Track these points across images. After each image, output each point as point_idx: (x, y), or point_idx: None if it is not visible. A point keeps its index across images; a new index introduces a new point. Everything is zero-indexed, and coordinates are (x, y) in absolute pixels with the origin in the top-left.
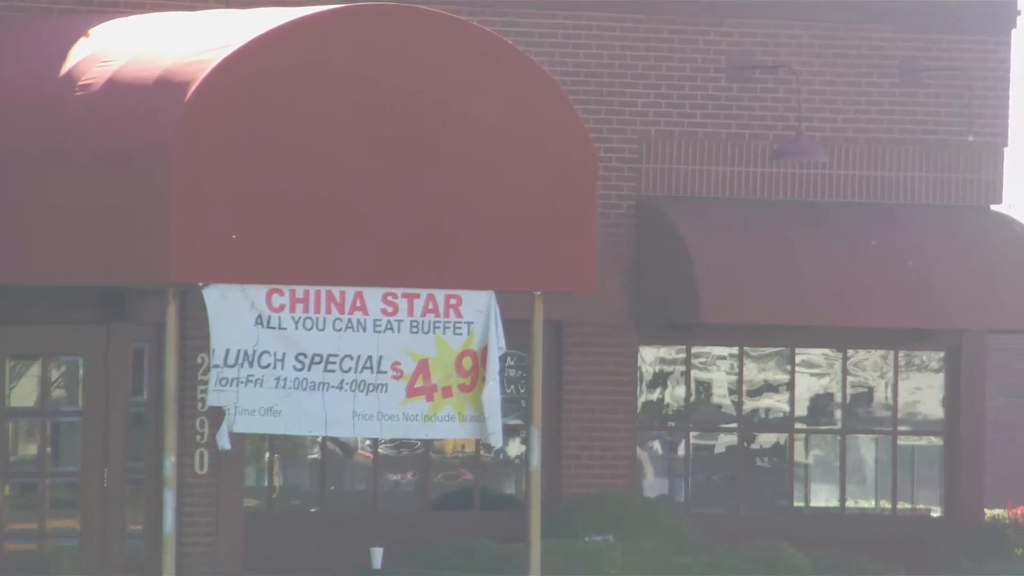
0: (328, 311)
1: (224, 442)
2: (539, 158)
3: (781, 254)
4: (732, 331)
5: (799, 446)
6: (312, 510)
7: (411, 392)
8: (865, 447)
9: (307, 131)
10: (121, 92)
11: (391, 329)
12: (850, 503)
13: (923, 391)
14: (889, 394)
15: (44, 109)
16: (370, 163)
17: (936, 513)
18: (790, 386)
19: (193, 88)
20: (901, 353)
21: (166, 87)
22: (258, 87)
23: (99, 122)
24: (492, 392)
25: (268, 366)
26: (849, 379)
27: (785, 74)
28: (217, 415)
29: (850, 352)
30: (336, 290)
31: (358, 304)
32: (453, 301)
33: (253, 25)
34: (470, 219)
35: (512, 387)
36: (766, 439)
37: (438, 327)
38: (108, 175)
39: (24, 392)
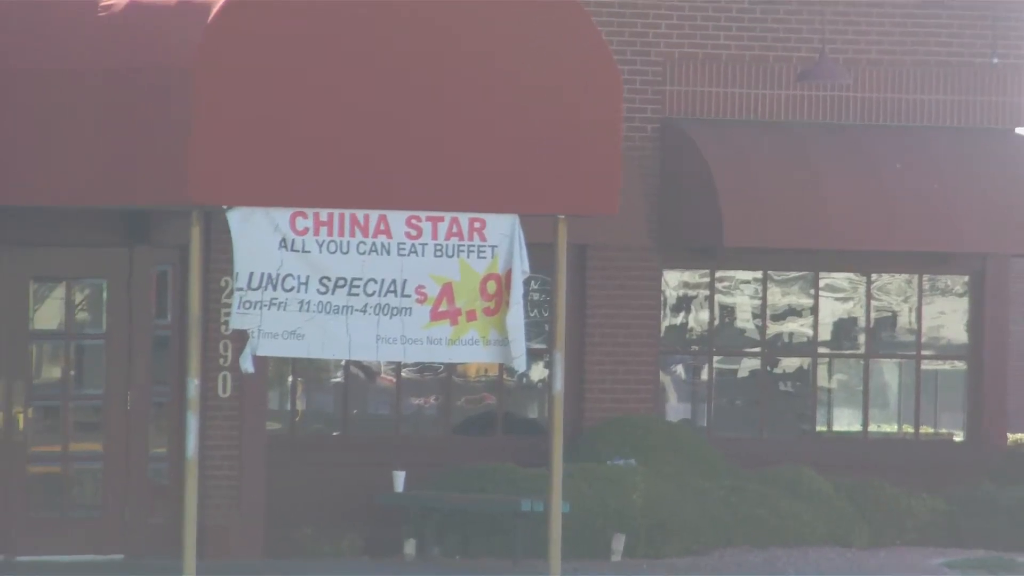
0: (352, 234)
1: (247, 365)
2: (563, 81)
3: (805, 177)
4: (756, 255)
5: (822, 370)
6: (335, 434)
7: (435, 316)
8: (888, 372)
9: (330, 53)
10: (143, 14)
11: (415, 253)
12: (873, 427)
13: (947, 315)
14: (913, 318)
15: (65, 31)
16: (394, 85)
17: (959, 438)
18: (814, 310)
19: (215, 10)
20: (925, 277)
21: (188, 9)
22: (280, 8)
23: (121, 44)
24: (516, 316)
25: (292, 289)
26: (873, 303)
27: None
28: (240, 338)
29: (874, 276)
30: (360, 213)
31: (382, 227)
32: (477, 224)
33: None
34: (494, 142)
35: (536, 311)
36: (789, 363)
37: (462, 251)
38: (131, 97)
39: (48, 315)
